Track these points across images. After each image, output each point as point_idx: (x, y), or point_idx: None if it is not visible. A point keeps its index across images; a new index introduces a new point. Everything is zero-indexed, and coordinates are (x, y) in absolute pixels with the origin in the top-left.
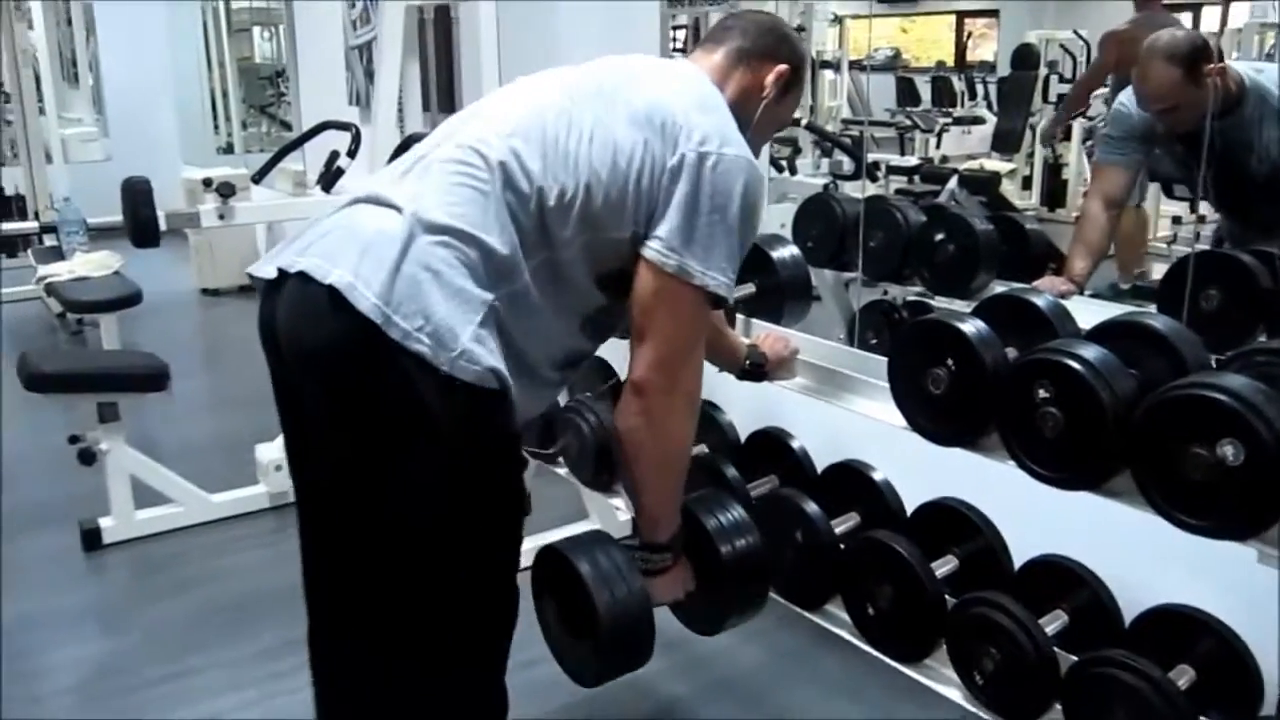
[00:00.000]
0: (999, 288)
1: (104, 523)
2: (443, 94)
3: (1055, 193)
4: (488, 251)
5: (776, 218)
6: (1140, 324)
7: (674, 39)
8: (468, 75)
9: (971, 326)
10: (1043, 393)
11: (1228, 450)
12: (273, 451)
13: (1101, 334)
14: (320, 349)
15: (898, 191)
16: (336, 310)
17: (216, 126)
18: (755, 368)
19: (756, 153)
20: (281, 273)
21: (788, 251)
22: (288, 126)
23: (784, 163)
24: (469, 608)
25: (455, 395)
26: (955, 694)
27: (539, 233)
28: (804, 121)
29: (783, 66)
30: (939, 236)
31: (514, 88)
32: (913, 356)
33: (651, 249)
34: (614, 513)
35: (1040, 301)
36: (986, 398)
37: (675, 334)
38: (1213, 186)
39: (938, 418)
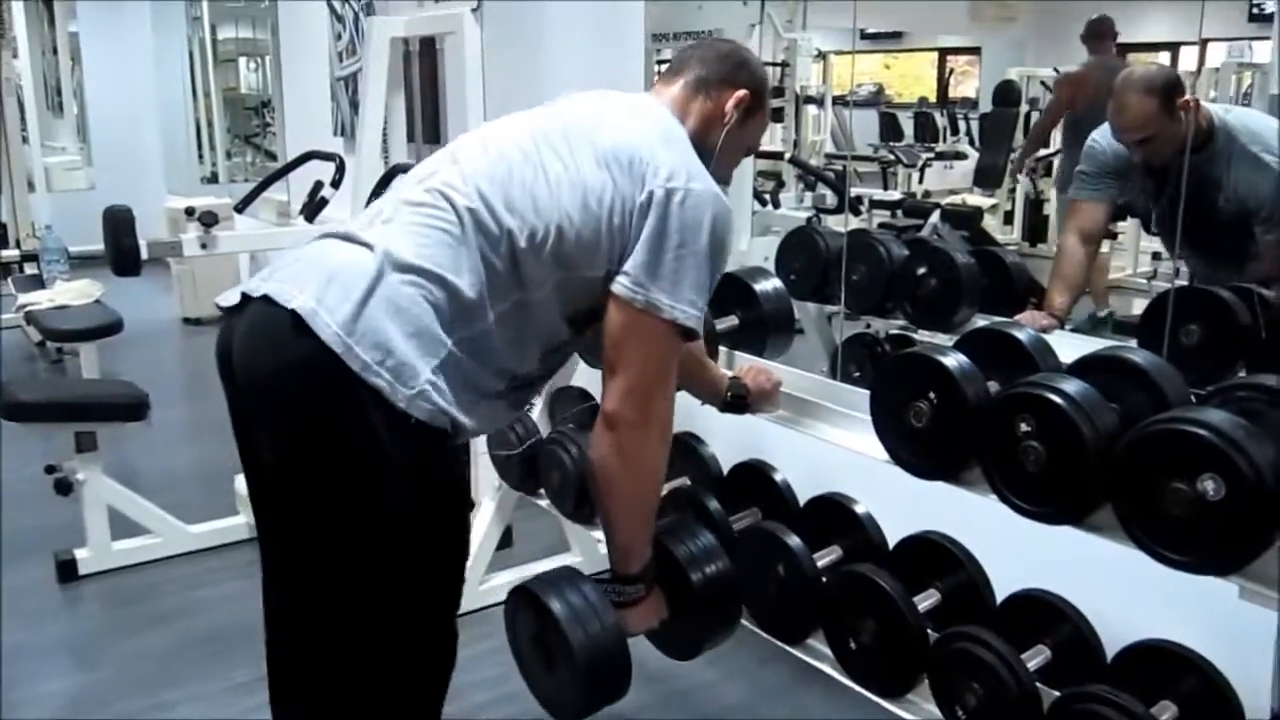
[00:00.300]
0: (981, 321)
1: (80, 554)
2: (428, 125)
3: (1036, 228)
4: (454, 292)
5: (760, 250)
6: (1121, 358)
7: (658, 73)
8: (453, 107)
9: (953, 360)
10: (1024, 426)
11: (1209, 485)
12: None
13: (1082, 368)
14: (274, 373)
15: (880, 225)
16: (297, 336)
17: (201, 156)
18: (737, 400)
19: (724, 180)
20: (245, 297)
21: (770, 284)
22: (272, 156)
23: (767, 196)
24: (405, 642)
25: (408, 432)
26: None
27: (511, 274)
28: (787, 155)
29: (742, 92)
30: (921, 270)
31: (484, 131)
32: (895, 389)
33: (620, 284)
34: (596, 545)
35: (1022, 335)
36: (968, 431)
37: (646, 367)
38: (1181, 223)
39: (919, 451)
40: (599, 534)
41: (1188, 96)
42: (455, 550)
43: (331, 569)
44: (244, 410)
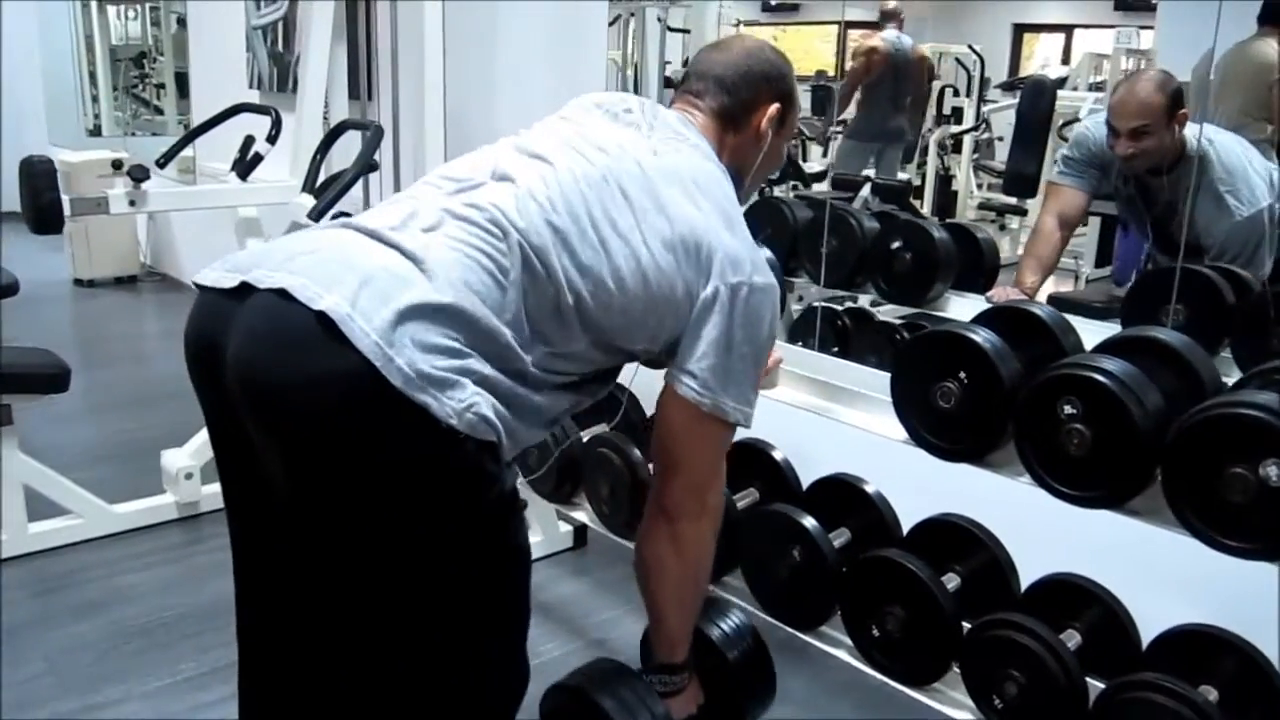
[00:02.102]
0: (954, 298)
1: None
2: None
3: (946, 203)
4: (492, 332)
5: None
6: (1153, 339)
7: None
8: (404, 65)
9: (986, 338)
10: (1069, 409)
11: (1271, 471)
12: (182, 459)
13: (1113, 349)
14: (297, 384)
15: (798, 197)
16: (328, 343)
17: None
18: None
19: (760, 185)
20: (245, 285)
21: (763, 254)
22: (159, 110)
23: None
24: (473, 681)
25: (461, 448)
26: (967, 717)
27: (549, 324)
28: None
29: (773, 108)
30: (895, 244)
31: (534, 145)
32: (920, 369)
33: (687, 385)
34: (556, 525)
35: (1042, 313)
36: (1002, 413)
37: (706, 464)
38: (1152, 231)
39: (946, 433)
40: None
41: (1185, 111)
42: (522, 568)
43: (383, 609)
44: (236, 415)
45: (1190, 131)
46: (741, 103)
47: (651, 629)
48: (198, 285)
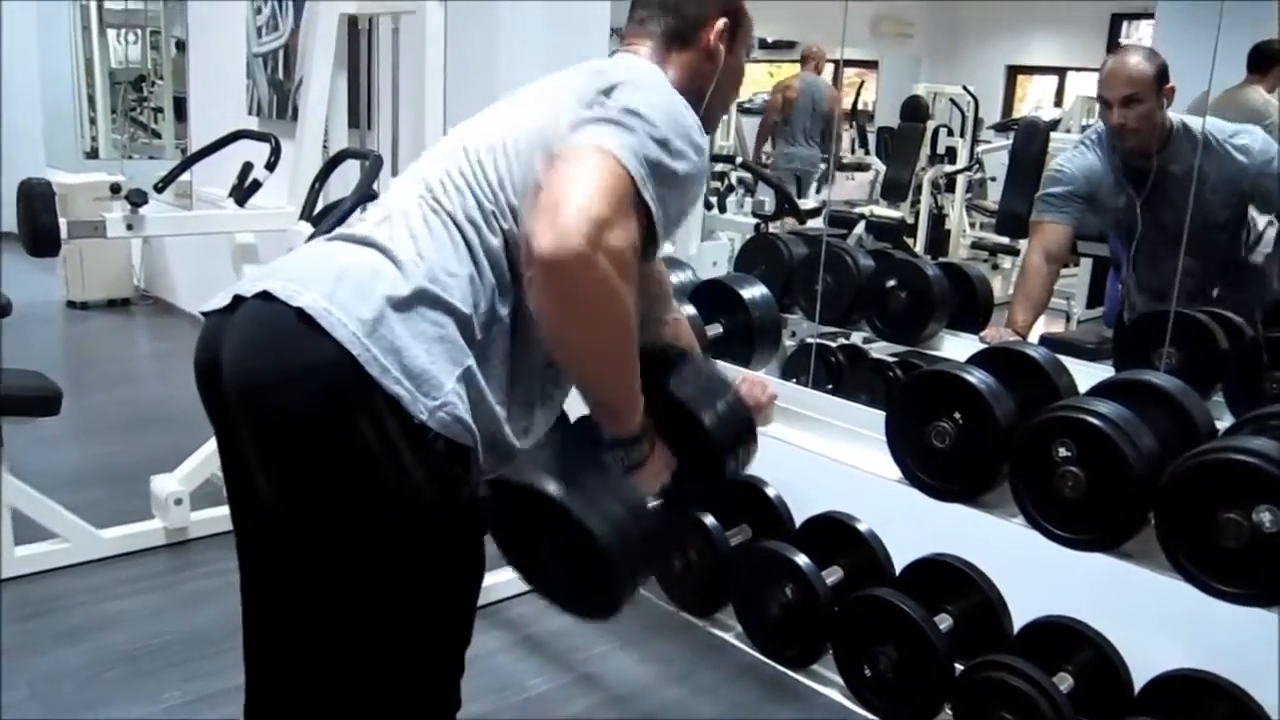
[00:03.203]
0: (948, 337)
1: None
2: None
3: (938, 241)
4: (470, 301)
5: (709, 254)
6: (1147, 382)
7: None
8: (405, 92)
9: (981, 379)
10: (1063, 451)
11: (1265, 517)
12: (171, 484)
13: (1106, 392)
14: (278, 377)
15: (791, 233)
16: (306, 336)
17: (82, 132)
18: None
19: (720, 115)
20: (237, 299)
21: (758, 291)
22: (156, 134)
23: (713, 200)
24: (415, 671)
25: (430, 447)
26: None
27: (508, 271)
28: (738, 160)
29: (721, 22)
30: (891, 283)
31: (477, 123)
32: (915, 408)
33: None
34: None
35: (1037, 354)
36: (997, 454)
37: (589, 193)
38: (1143, 238)
39: (939, 472)
40: None
41: (1172, 85)
42: (471, 574)
43: (339, 597)
44: (235, 430)
45: (1175, 116)
46: (686, 20)
47: (586, 402)
48: (203, 315)
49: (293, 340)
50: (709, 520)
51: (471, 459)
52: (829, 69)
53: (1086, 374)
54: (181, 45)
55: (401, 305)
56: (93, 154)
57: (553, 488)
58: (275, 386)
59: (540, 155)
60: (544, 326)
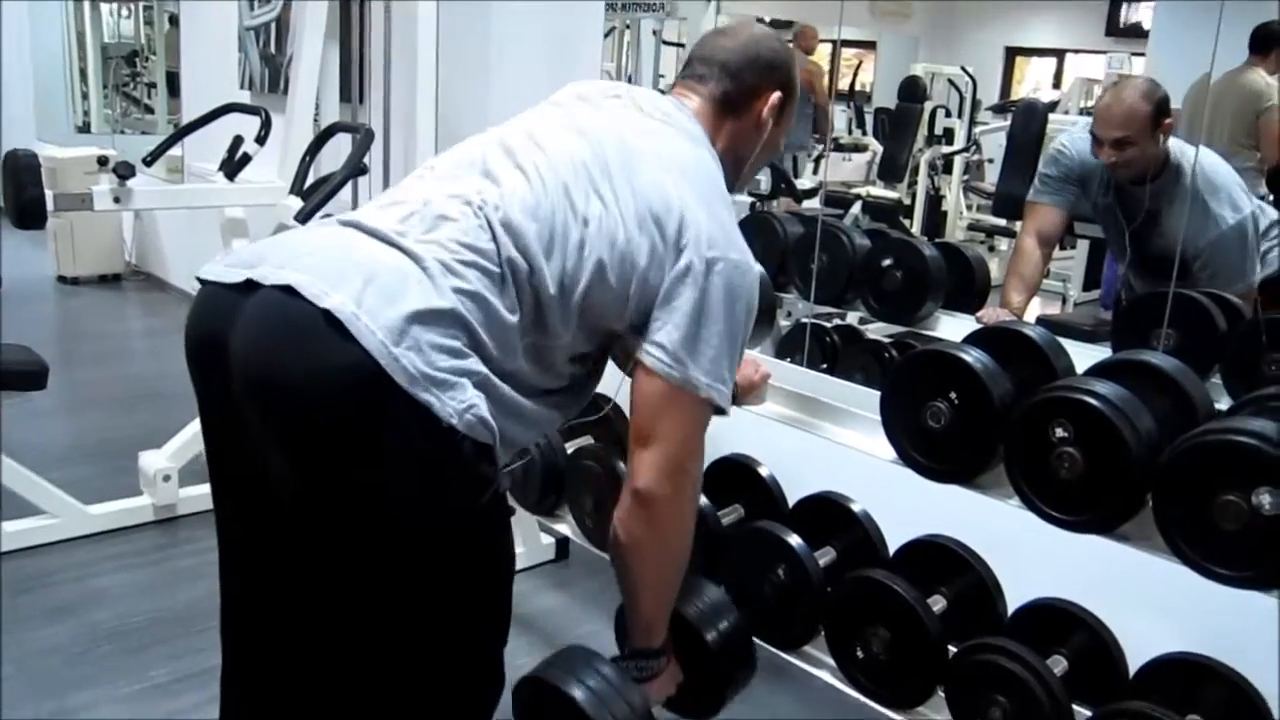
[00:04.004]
0: (944, 317)
1: None
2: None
3: (935, 223)
4: (490, 325)
5: None
6: (1146, 363)
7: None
8: (397, 68)
9: (978, 359)
10: (1060, 432)
11: (1264, 499)
12: (160, 460)
13: (1104, 373)
14: (302, 377)
15: (788, 213)
16: (333, 340)
17: (73, 105)
18: None
19: (755, 175)
20: (250, 282)
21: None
22: (149, 109)
23: None
24: (449, 682)
25: (459, 448)
26: None
27: (534, 315)
28: None
29: (775, 96)
30: (886, 262)
31: (511, 139)
32: (911, 388)
33: (654, 357)
34: (539, 537)
35: (1034, 334)
36: (992, 434)
37: (681, 442)
38: (1130, 245)
39: (935, 453)
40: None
41: (1171, 120)
42: (506, 570)
43: (369, 606)
44: (235, 409)
45: (1174, 144)
46: (745, 89)
47: (628, 613)
48: (201, 280)
49: (319, 342)
50: (701, 500)
51: (495, 455)
52: (824, 49)
53: (1083, 356)
54: (175, 19)
55: (428, 317)
56: (85, 129)
57: (573, 685)
58: (300, 388)
59: (598, 281)
60: (625, 545)
